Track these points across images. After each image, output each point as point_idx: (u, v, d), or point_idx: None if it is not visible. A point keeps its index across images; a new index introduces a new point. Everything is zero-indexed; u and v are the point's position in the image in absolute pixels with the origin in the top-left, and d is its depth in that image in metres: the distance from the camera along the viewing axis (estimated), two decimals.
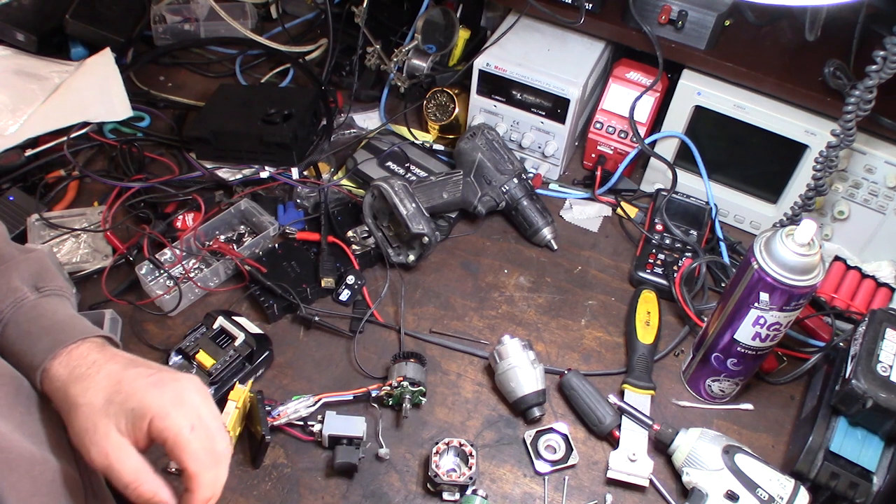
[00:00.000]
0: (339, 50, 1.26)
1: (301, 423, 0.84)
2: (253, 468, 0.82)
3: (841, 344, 0.91)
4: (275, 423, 0.83)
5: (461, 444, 0.82)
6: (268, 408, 0.83)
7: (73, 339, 0.61)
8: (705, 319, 0.93)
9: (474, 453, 0.82)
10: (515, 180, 1.07)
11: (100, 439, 0.56)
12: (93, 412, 0.57)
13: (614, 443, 0.86)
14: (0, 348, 0.61)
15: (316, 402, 0.85)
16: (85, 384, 0.58)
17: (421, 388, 0.87)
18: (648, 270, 1.03)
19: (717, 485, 0.78)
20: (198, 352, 0.87)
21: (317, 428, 0.83)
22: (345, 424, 0.82)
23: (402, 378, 0.86)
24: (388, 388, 0.86)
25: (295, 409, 0.84)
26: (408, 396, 0.86)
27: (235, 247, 1.01)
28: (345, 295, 0.98)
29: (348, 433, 0.81)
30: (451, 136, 1.21)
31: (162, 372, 0.60)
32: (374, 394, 0.87)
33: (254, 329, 0.90)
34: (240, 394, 0.81)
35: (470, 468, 0.80)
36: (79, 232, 1.01)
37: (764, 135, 1.02)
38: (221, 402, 0.81)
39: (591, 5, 1.09)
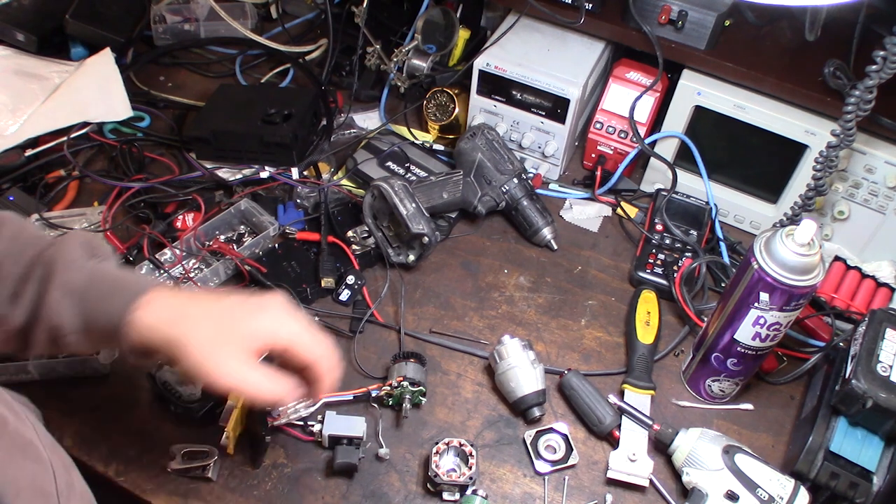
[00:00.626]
0: (339, 50, 1.26)
1: (301, 423, 0.84)
2: (253, 468, 0.82)
3: (841, 344, 0.91)
4: (275, 423, 0.83)
5: (461, 444, 0.82)
6: (267, 408, 0.83)
7: (146, 289, 0.66)
8: (705, 319, 0.93)
9: (474, 453, 0.81)
10: (515, 180, 1.07)
11: (219, 366, 0.63)
12: (205, 345, 0.64)
13: (614, 443, 0.86)
14: (83, 317, 0.65)
15: (316, 402, 0.85)
16: (186, 324, 0.64)
17: (421, 387, 0.86)
18: (648, 270, 1.03)
19: (717, 485, 0.78)
20: None
21: (317, 428, 0.83)
22: (345, 424, 0.82)
23: (402, 378, 0.86)
24: (388, 388, 0.86)
25: (295, 408, 0.84)
26: (408, 396, 0.85)
27: (235, 247, 1.01)
28: (345, 295, 0.98)
29: (348, 433, 0.81)
30: (451, 136, 1.22)
31: (250, 298, 0.68)
32: (374, 394, 0.87)
33: None
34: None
35: (470, 468, 0.80)
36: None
37: (764, 135, 1.02)
38: (221, 402, 0.82)
39: (591, 5, 1.09)
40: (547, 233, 1.07)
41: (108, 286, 0.66)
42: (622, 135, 1.13)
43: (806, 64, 1.00)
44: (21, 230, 0.69)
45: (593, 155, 1.17)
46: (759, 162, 1.08)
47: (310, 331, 0.68)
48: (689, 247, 1.05)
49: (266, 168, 1.09)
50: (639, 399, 0.88)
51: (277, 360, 0.69)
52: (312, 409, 0.85)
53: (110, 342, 0.67)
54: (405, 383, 0.85)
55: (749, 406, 0.92)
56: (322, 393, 0.70)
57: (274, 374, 0.65)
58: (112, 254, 0.71)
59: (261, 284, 0.96)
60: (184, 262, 0.99)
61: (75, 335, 0.66)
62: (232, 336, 0.65)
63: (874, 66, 0.85)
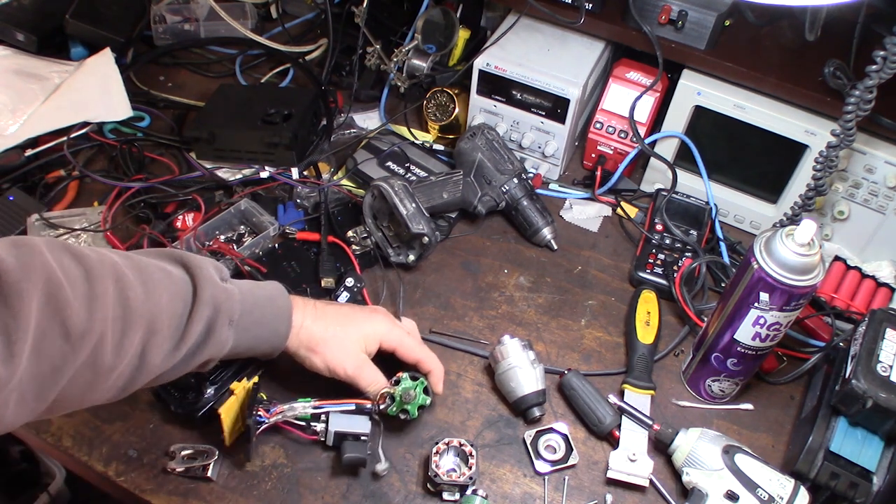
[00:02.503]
0: (339, 50, 1.26)
1: (303, 423, 0.83)
2: (246, 461, 0.81)
3: (841, 344, 0.91)
4: (271, 420, 0.80)
5: (461, 444, 0.82)
6: (262, 403, 0.80)
7: (290, 304, 0.79)
8: (705, 319, 0.93)
9: (474, 453, 0.81)
10: (515, 180, 1.07)
11: (350, 357, 0.81)
12: (339, 340, 0.81)
13: (614, 443, 0.86)
14: (236, 341, 0.74)
15: (316, 408, 0.82)
16: (324, 322, 0.81)
17: (422, 380, 0.83)
18: (648, 270, 1.03)
19: (717, 485, 0.78)
20: None
21: (320, 427, 0.82)
22: (349, 421, 0.81)
23: (400, 373, 0.83)
24: (388, 388, 0.82)
25: (292, 407, 0.82)
26: (411, 392, 0.81)
27: (235, 247, 1.01)
28: (343, 297, 0.98)
29: (354, 430, 0.81)
30: (451, 136, 1.22)
31: (363, 309, 0.88)
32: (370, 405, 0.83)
33: None
34: (240, 386, 0.80)
35: (470, 468, 0.80)
36: (79, 232, 1.01)
37: (764, 135, 1.02)
38: (222, 399, 0.81)
39: (591, 5, 1.09)
40: (547, 233, 1.07)
41: (263, 309, 0.77)
42: (622, 135, 1.13)
43: (806, 64, 1.00)
44: (166, 275, 0.69)
45: (593, 155, 1.17)
46: (759, 162, 1.08)
47: (409, 337, 0.85)
48: (689, 247, 1.05)
49: (266, 168, 1.09)
50: (639, 399, 0.88)
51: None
52: (312, 410, 0.82)
53: (253, 353, 0.79)
54: (404, 375, 0.83)
55: (749, 406, 0.92)
56: (438, 385, 0.85)
57: (379, 372, 0.82)
58: (225, 269, 0.76)
59: None
60: None
61: (225, 357, 0.75)
62: (356, 336, 0.82)
63: (874, 66, 0.85)
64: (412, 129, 1.21)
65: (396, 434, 0.86)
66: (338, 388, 0.87)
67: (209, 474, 0.80)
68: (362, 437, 0.81)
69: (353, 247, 1.02)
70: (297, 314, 0.79)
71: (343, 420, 0.82)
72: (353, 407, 0.82)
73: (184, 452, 0.82)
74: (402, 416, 0.82)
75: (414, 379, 0.83)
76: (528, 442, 0.86)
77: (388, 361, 0.84)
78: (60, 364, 0.58)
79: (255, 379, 0.83)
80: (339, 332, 0.81)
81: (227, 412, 0.79)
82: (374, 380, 0.82)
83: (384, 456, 0.81)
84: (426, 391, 0.83)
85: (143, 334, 0.64)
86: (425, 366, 0.84)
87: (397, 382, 0.83)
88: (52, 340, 0.57)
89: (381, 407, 0.82)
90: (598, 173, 1.13)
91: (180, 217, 1.03)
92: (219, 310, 0.70)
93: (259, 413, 0.79)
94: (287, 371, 0.90)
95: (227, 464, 0.82)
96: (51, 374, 0.58)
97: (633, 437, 0.85)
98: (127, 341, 0.63)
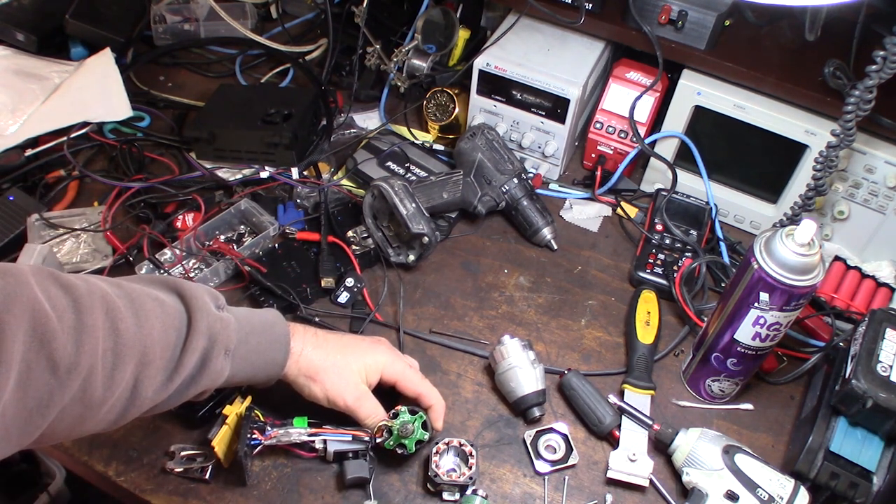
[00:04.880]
0: (339, 50, 1.26)
1: (300, 443, 0.81)
2: (242, 485, 0.80)
3: (841, 344, 0.91)
4: (265, 443, 0.79)
5: (461, 444, 0.82)
6: (257, 425, 0.79)
7: (288, 330, 0.77)
8: (705, 319, 0.93)
9: (474, 453, 0.81)
10: (515, 180, 1.07)
11: (350, 388, 0.79)
12: (339, 370, 0.79)
13: (614, 443, 0.86)
14: (232, 371, 0.72)
15: (311, 435, 0.80)
16: (324, 350, 0.79)
17: (420, 415, 0.80)
18: (648, 270, 1.03)
19: (717, 485, 0.78)
20: None
21: (318, 444, 0.80)
22: (348, 439, 0.80)
23: (399, 406, 0.81)
24: (386, 420, 0.80)
25: (287, 433, 0.80)
26: (409, 426, 0.79)
27: (235, 247, 1.01)
28: (343, 297, 0.98)
29: (353, 447, 0.80)
30: (451, 136, 1.22)
31: (365, 339, 0.86)
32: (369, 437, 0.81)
33: None
34: (232, 412, 0.79)
35: (470, 468, 0.80)
36: (79, 232, 1.01)
37: (764, 135, 1.02)
38: (221, 401, 0.82)
39: (591, 5, 1.09)
40: (547, 233, 1.07)
41: (259, 336, 0.75)
42: (622, 135, 1.13)
43: (806, 64, 1.00)
44: (159, 304, 0.66)
45: (593, 155, 1.17)
46: (759, 162, 1.08)
47: (414, 370, 0.84)
48: (689, 247, 1.05)
49: (266, 168, 1.09)
50: (639, 399, 0.88)
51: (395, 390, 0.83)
52: (307, 438, 0.80)
53: (252, 381, 0.77)
54: (403, 409, 0.80)
55: (749, 406, 0.92)
56: (438, 421, 0.83)
57: (379, 405, 0.81)
58: (221, 296, 0.75)
59: (260, 285, 0.96)
60: (184, 262, 0.99)
61: (219, 387, 0.73)
62: (356, 367, 0.80)
63: (874, 66, 0.85)
64: (412, 129, 1.21)
65: None
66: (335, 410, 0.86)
67: (207, 476, 0.80)
68: (361, 453, 0.80)
69: (353, 247, 1.02)
70: (297, 341, 0.78)
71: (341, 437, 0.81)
72: (349, 438, 0.80)
73: (183, 453, 0.81)
74: (399, 451, 0.79)
75: (413, 413, 0.80)
76: (528, 442, 0.86)
77: (388, 395, 0.82)
78: (47, 399, 0.56)
79: (248, 401, 0.81)
80: (340, 362, 0.79)
81: (220, 443, 0.77)
82: (373, 412, 0.80)
83: (373, 494, 0.80)
84: (424, 426, 0.80)
85: (135, 366, 0.62)
86: (426, 400, 0.82)
87: (396, 416, 0.80)
88: (38, 374, 0.55)
89: (378, 440, 0.79)
90: (598, 173, 1.13)
91: (180, 217, 1.03)
92: (214, 340, 0.68)
93: (254, 435, 0.77)
94: (283, 389, 0.88)
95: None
96: (37, 409, 0.56)
97: (633, 437, 0.85)
98: (118, 374, 0.61)
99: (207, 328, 0.68)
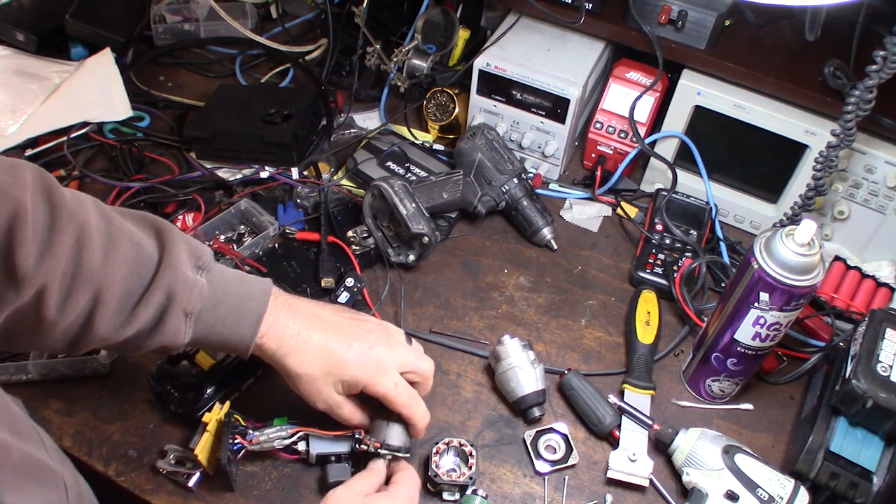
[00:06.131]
0: (339, 50, 1.26)
1: (282, 447, 0.79)
2: (229, 490, 0.80)
3: (841, 344, 0.91)
4: (249, 448, 0.77)
5: (461, 444, 0.82)
6: (239, 429, 0.77)
7: (263, 309, 0.72)
8: (705, 319, 0.93)
9: (474, 453, 0.81)
10: (515, 180, 1.07)
11: (324, 398, 0.75)
12: (314, 381, 0.74)
13: (614, 443, 0.86)
14: (197, 335, 0.71)
15: (293, 435, 0.78)
16: (299, 358, 0.74)
17: (408, 457, 0.78)
18: (648, 270, 1.03)
19: (717, 485, 0.78)
20: (197, 352, 0.86)
21: (301, 447, 0.79)
22: (330, 443, 0.79)
23: (379, 444, 0.77)
24: (366, 446, 0.77)
25: (268, 438, 0.78)
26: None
27: (235, 247, 1.01)
28: (343, 297, 0.98)
29: (336, 450, 0.79)
30: (451, 136, 1.22)
31: (356, 341, 0.75)
32: (357, 436, 0.78)
33: None
34: (212, 419, 0.78)
35: (470, 468, 0.80)
36: None
37: (764, 135, 1.02)
38: (223, 399, 0.81)
39: (591, 5, 1.09)
40: (547, 233, 1.07)
41: (228, 307, 0.72)
42: (622, 135, 1.13)
43: (806, 64, 1.00)
44: (135, 249, 0.67)
45: (593, 155, 1.17)
46: (759, 162, 1.08)
47: (404, 385, 0.77)
48: (689, 247, 1.05)
49: (266, 168, 1.09)
50: (639, 399, 0.88)
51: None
52: (289, 440, 0.79)
53: (224, 350, 0.78)
54: (383, 451, 0.77)
55: (749, 406, 0.92)
56: (419, 434, 0.79)
57: (359, 411, 0.78)
58: (208, 253, 0.73)
59: None
60: None
61: (188, 346, 0.72)
62: (337, 379, 0.75)
63: (874, 66, 0.85)
64: (412, 129, 1.21)
65: None
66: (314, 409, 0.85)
67: (191, 484, 0.79)
68: (344, 457, 0.79)
69: (353, 247, 1.02)
70: (273, 337, 0.73)
71: (324, 441, 0.79)
72: (331, 439, 0.79)
73: (173, 454, 0.80)
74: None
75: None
76: (528, 442, 0.86)
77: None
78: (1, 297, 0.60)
79: (227, 407, 0.79)
80: (316, 372, 0.74)
81: (203, 450, 0.76)
82: (349, 417, 0.77)
83: None
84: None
85: (91, 299, 0.64)
86: (411, 420, 0.77)
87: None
88: None
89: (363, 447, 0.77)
90: (598, 173, 1.13)
91: (180, 217, 1.03)
92: (172, 299, 0.67)
93: (236, 440, 0.76)
94: (262, 393, 0.89)
95: None
96: None
97: (633, 437, 0.85)
98: (72, 300, 0.63)
99: (167, 286, 0.67)
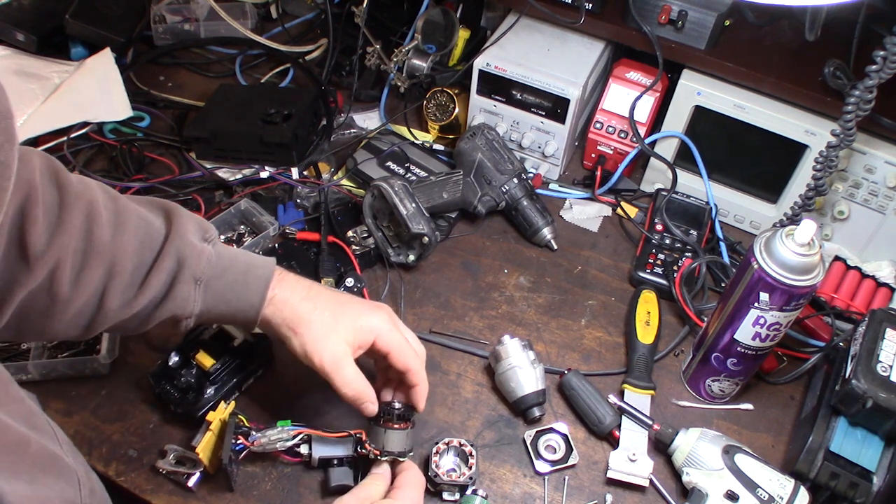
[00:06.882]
0: (339, 50, 1.26)
1: (284, 449, 0.79)
2: (229, 491, 0.80)
3: (841, 344, 0.91)
4: (252, 449, 0.77)
5: (461, 444, 0.82)
6: (242, 430, 0.77)
7: (270, 274, 0.73)
8: (705, 319, 0.93)
9: (474, 453, 0.81)
10: (515, 180, 1.07)
11: (330, 346, 0.72)
12: (324, 325, 0.72)
13: (614, 443, 0.86)
14: (206, 305, 0.71)
15: (296, 437, 0.78)
16: (313, 303, 0.73)
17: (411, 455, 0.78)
18: (648, 270, 1.03)
19: (717, 485, 0.78)
20: (197, 352, 0.86)
21: (303, 450, 0.79)
22: (333, 446, 0.79)
23: (378, 452, 0.76)
24: (367, 451, 0.77)
25: (269, 440, 0.78)
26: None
27: (235, 247, 1.01)
28: None
29: (338, 454, 0.79)
30: (451, 136, 1.22)
31: (364, 301, 0.80)
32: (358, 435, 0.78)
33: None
34: (216, 418, 0.78)
35: (470, 468, 0.80)
36: None
37: (764, 135, 1.02)
38: (222, 400, 0.81)
39: (591, 5, 1.09)
40: (547, 233, 1.07)
41: (236, 274, 0.72)
42: (622, 135, 1.13)
43: (806, 64, 1.00)
44: (144, 224, 0.69)
45: (593, 155, 1.17)
46: (759, 162, 1.08)
47: (408, 342, 0.77)
48: (689, 247, 1.05)
49: (266, 168, 1.09)
50: (639, 399, 0.88)
51: (379, 363, 0.79)
52: (292, 441, 0.78)
53: (233, 321, 0.77)
54: (384, 458, 0.76)
55: (749, 406, 0.92)
56: (421, 402, 0.78)
57: (363, 376, 0.74)
58: (216, 231, 0.75)
59: None
60: None
61: (198, 318, 0.72)
62: (349, 325, 0.73)
63: (874, 66, 0.85)
64: (412, 129, 1.21)
65: None
66: (317, 412, 0.85)
67: (190, 484, 0.79)
68: (347, 460, 0.79)
69: (353, 247, 1.02)
70: (284, 289, 0.74)
71: (326, 444, 0.79)
72: (334, 442, 0.78)
73: (173, 454, 0.81)
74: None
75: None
76: (528, 442, 0.86)
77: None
78: (13, 280, 0.60)
79: (231, 406, 0.80)
80: (327, 318, 0.73)
81: (205, 449, 0.77)
82: (351, 380, 0.73)
83: None
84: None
85: (104, 274, 0.65)
86: (413, 378, 0.77)
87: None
88: (10, 252, 0.59)
89: (364, 451, 0.77)
90: (598, 173, 1.13)
91: None
92: (182, 264, 0.69)
93: (238, 441, 0.76)
94: (268, 393, 0.89)
95: None
96: (6, 288, 0.60)
97: (633, 437, 0.85)
98: (85, 275, 0.64)
99: (177, 251, 0.69)
